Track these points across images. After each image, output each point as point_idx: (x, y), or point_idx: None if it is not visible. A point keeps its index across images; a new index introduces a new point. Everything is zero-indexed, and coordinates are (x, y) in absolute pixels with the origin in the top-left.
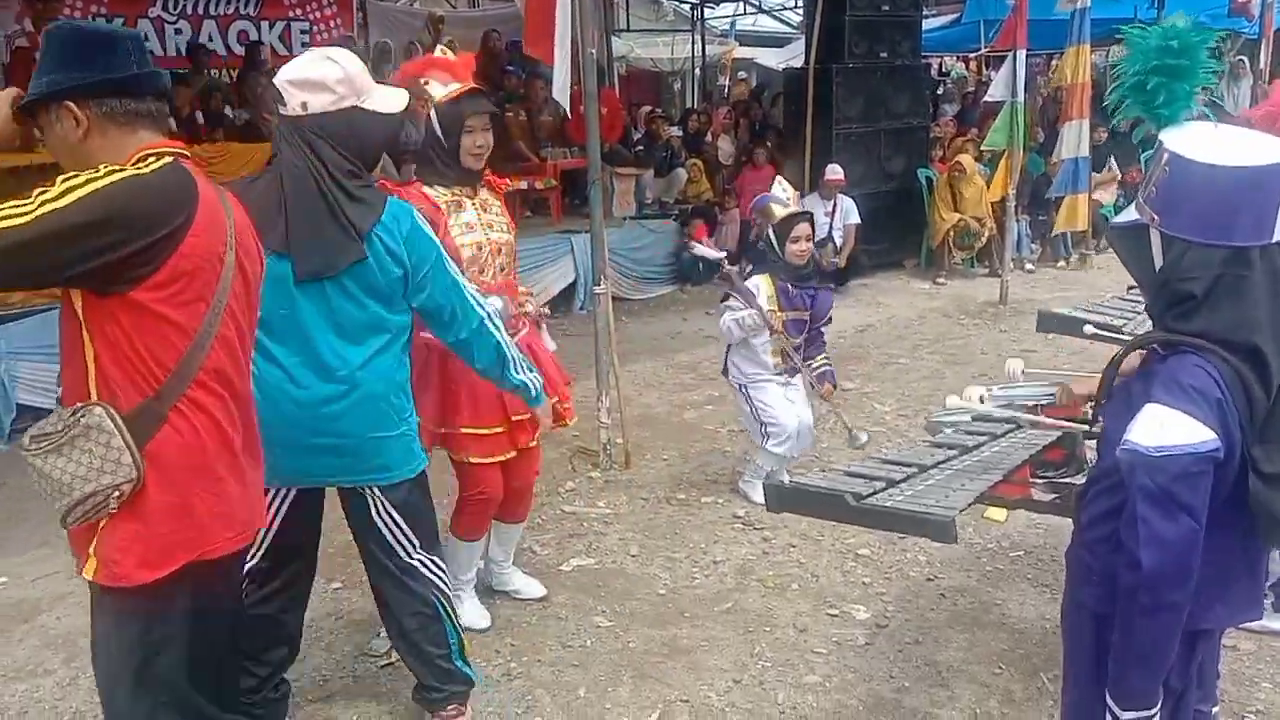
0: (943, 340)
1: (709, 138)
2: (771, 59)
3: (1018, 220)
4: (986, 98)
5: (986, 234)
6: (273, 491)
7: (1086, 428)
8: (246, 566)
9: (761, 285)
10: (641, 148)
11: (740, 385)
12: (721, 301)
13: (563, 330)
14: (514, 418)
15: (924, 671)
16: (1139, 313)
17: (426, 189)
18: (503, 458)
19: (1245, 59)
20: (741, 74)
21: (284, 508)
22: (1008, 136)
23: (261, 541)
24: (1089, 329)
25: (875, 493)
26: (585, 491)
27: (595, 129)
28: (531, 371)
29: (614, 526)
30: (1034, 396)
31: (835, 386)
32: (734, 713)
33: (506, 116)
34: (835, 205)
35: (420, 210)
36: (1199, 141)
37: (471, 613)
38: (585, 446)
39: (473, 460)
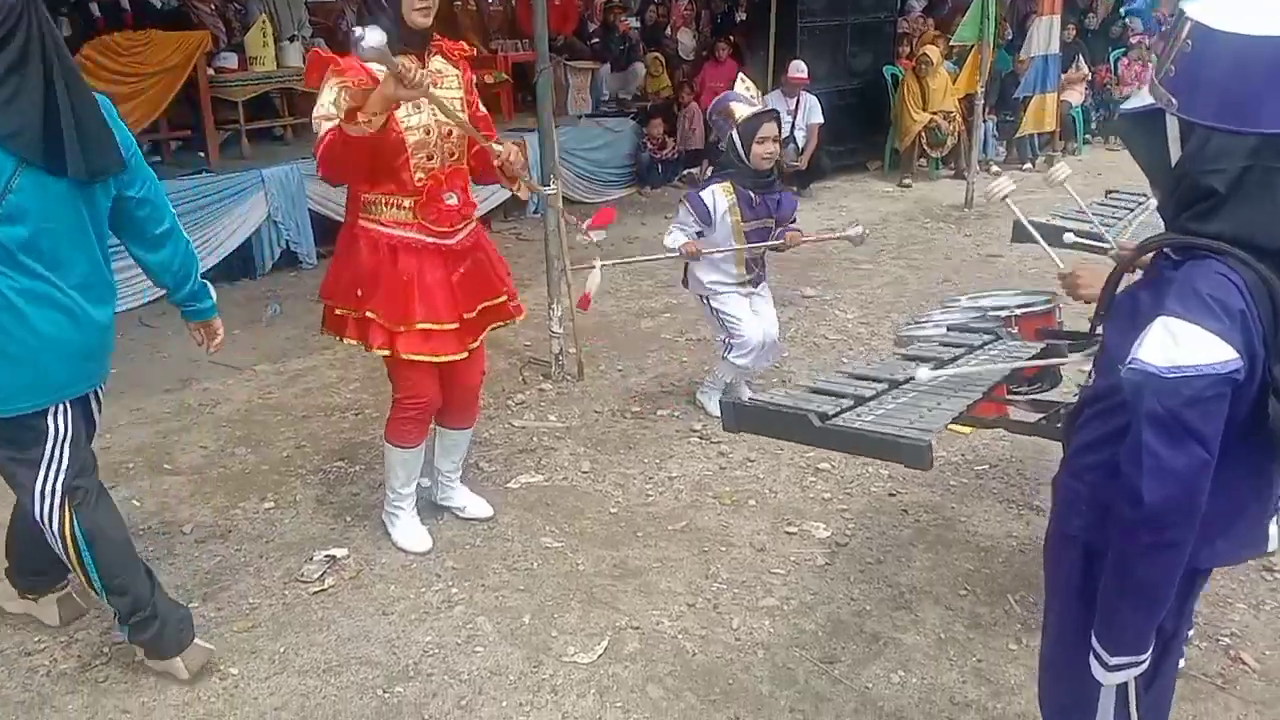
0: (906, 245)
1: (669, 31)
2: None
3: (985, 120)
4: None
5: (955, 132)
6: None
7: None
8: (69, 484)
9: (719, 195)
10: (597, 40)
11: (702, 297)
12: (680, 203)
13: (515, 234)
14: (465, 315)
15: (886, 593)
16: (1120, 219)
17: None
18: (450, 358)
19: None
20: None
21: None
22: (978, 30)
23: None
24: (1069, 237)
25: (842, 411)
26: (536, 404)
27: (543, 16)
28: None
29: (565, 441)
30: (1008, 306)
31: (800, 232)
32: (686, 639)
33: (454, 6)
34: (798, 103)
35: (350, 84)
36: (1227, 8)
37: (410, 534)
38: (536, 357)
39: (420, 358)
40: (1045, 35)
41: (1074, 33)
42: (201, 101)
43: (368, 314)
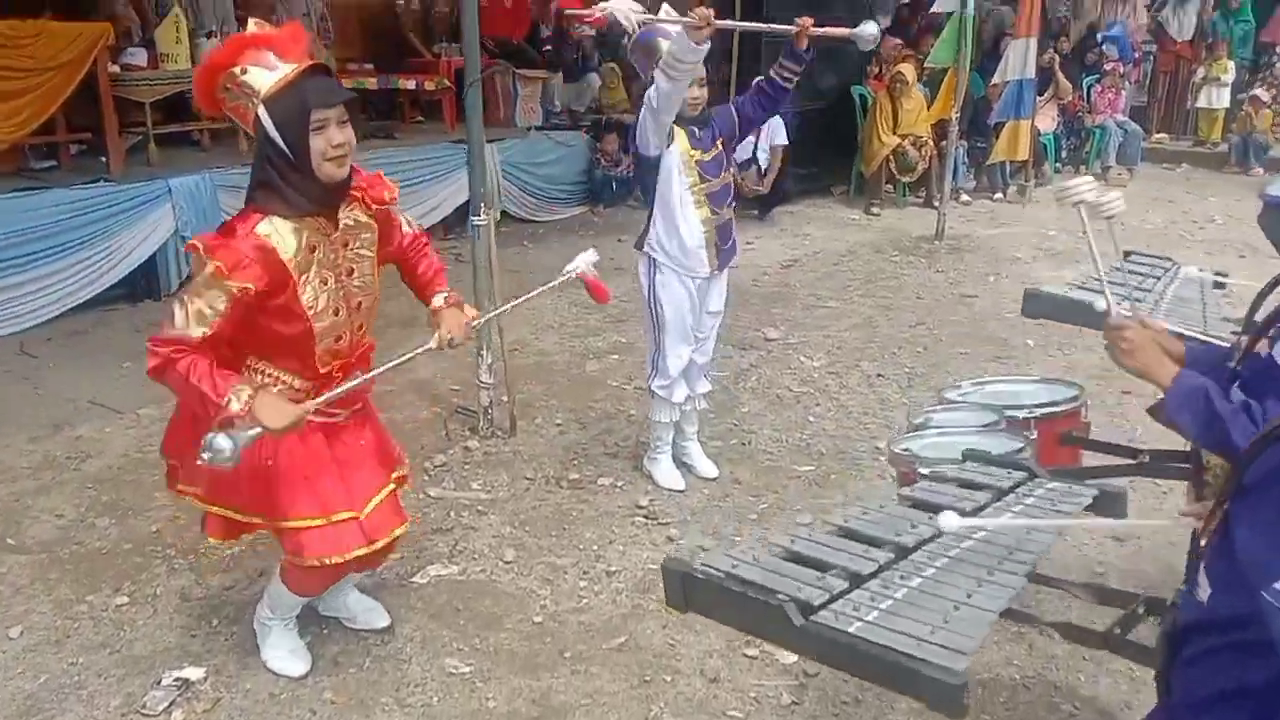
0: (874, 280)
1: (626, 40)
2: None
3: (957, 146)
4: (934, 8)
5: (927, 158)
6: None
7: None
8: None
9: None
10: (550, 48)
11: (650, 265)
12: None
13: (454, 255)
14: (369, 503)
15: None
16: (1148, 290)
17: (262, 229)
18: (355, 554)
19: None
20: None
21: None
22: (954, 52)
23: None
24: (1101, 303)
25: (831, 599)
26: (458, 468)
27: (473, 18)
28: None
29: (488, 518)
30: (1024, 405)
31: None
32: None
33: (397, 6)
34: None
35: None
36: None
37: (284, 652)
38: (465, 406)
39: (308, 564)
40: (1021, 59)
41: (1056, 60)
42: (102, 102)
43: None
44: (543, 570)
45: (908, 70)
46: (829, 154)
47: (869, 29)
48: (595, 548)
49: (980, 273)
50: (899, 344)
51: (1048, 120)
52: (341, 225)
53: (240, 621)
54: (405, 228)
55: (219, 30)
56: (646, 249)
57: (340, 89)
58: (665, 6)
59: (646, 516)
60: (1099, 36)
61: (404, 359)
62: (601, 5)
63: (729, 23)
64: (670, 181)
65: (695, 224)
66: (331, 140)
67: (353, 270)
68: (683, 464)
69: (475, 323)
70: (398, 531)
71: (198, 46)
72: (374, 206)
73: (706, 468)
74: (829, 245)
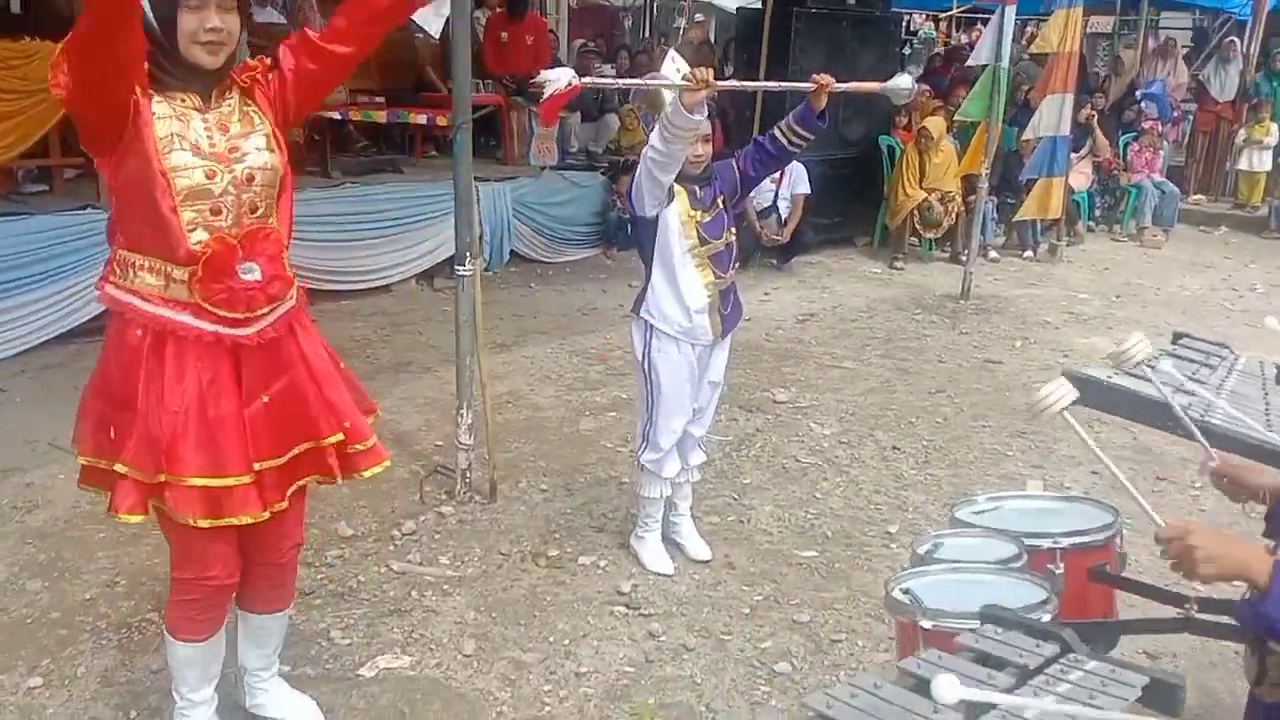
0: (894, 340)
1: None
2: (732, 4)
3: (987, 202)
4: (969, 61)
5: (954, 214)
6: None
7: None
8: None
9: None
10: None
11: (646, 330)
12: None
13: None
14: (268, 462)
15: None
16: (1202, 381)
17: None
18: (243, 519)
19: (1236, 40)
20: (699, 17)
21: None
22: (986, 106)
23: None
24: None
25: None
26: (428, 537)
27: (465, 52)
28: None
29: (453, 600)
30: (1050, 533)
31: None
32: None
33: (415, 38)
34: (783, 171)
35: None
36: None
37: None
38: (447, 465)
39: (198, 523)
40: (1056, 114)
41: (1094, 116)
42: None
43: (117, 468)
44: (504, 668)
45: (934, 125)
46: (853, 204)
47: (903, 82)
48: (567, 642)
49: (1006, 336)
50: (917, 413)
51: (1082, 178)
52: (216, 108)
53: (162, 713)
54: (282, 57)
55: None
56: (643, 314)
57: None
58: (671, 54)
59: (628, 606)
60: (1138, 94)
61: None
62: (544, 76)
63: (732, 83)
64: (669, 243)
65: (697, 288)
66: (206, 23)
67: (237, 148)
68: (673, 543)
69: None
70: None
71: None
72: (250, 83)
73: (699, 549)
74: (848, 300)
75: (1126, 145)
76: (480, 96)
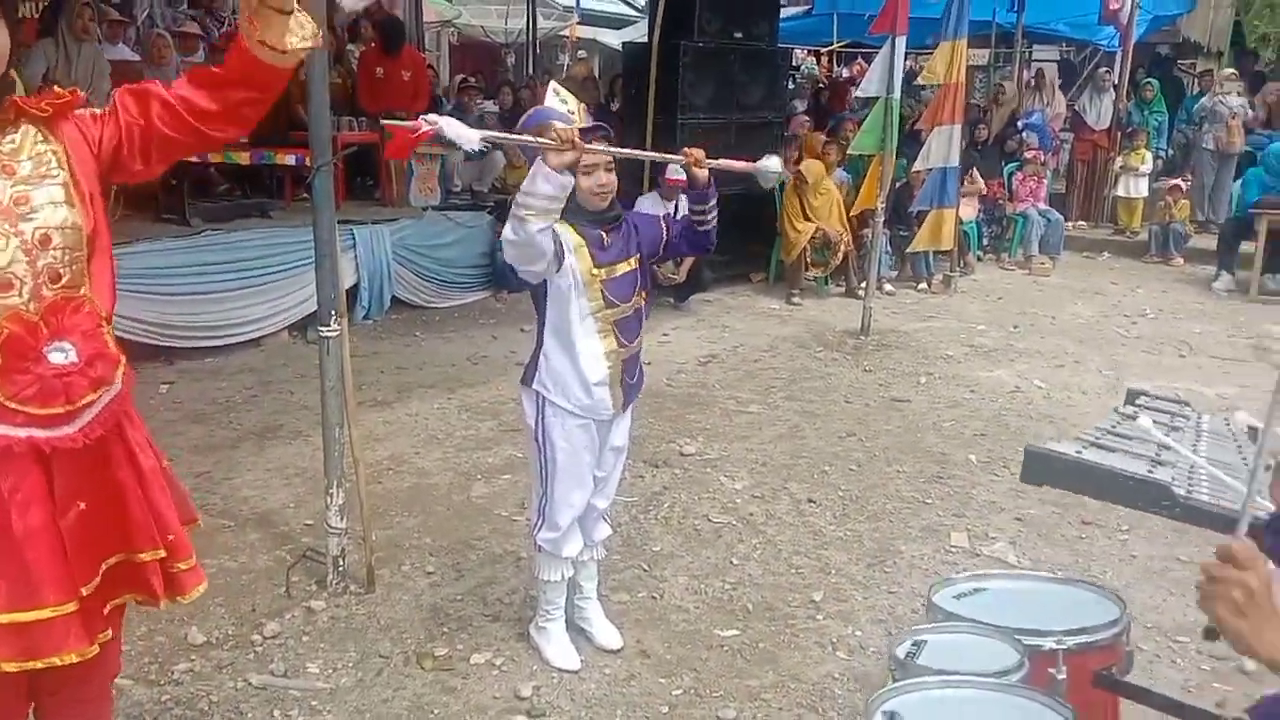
0: (798, 381)
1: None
2: (617, 41)
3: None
4: (858, 93)
5: (843, 249)
6: None
7: None
8: None
9: (563, 232)
10: None
11: (538, 401)
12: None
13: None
14: (90, 584)
15: None
16: (1170, 452)
17: None
18: (68, 659)
19: (1109, 70)
20: (582, 53)
21: None
22: (880, 138)
23: None
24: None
25: None
26: (295, 641)
27: (322, 87)
28: None
29: (323, 718)
30: (1052, 631)
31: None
32: None
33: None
34: (676, 208)
35: None
36: None
37: None
38: (317, 550)
39: (4, 667)
40: (945, 146)
41: (983, 135)
42: None
43: None
44: None
45: (810, 169)
46: (746, 240)
47: (772, 165)
48: None
49: (910, 372)
50: (829, 460)
51: (969, 209)
52: (3, 142)
53: None
54: (124, 106)
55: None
56: (535, 385)
57: None
58: (553, 86)
59: (529, 714)
60: (1020, 124)
61: None
62: (429, 118)
63: (603, 148)
64: (564, 305)
65: (597, 358)
66: None
67: (26, 199)
68: (579, 629)
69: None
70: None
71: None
72: (48, 114)
73: (608, 637)
74: (749, 339)
75: (1010, 175)
76: (353, 135)
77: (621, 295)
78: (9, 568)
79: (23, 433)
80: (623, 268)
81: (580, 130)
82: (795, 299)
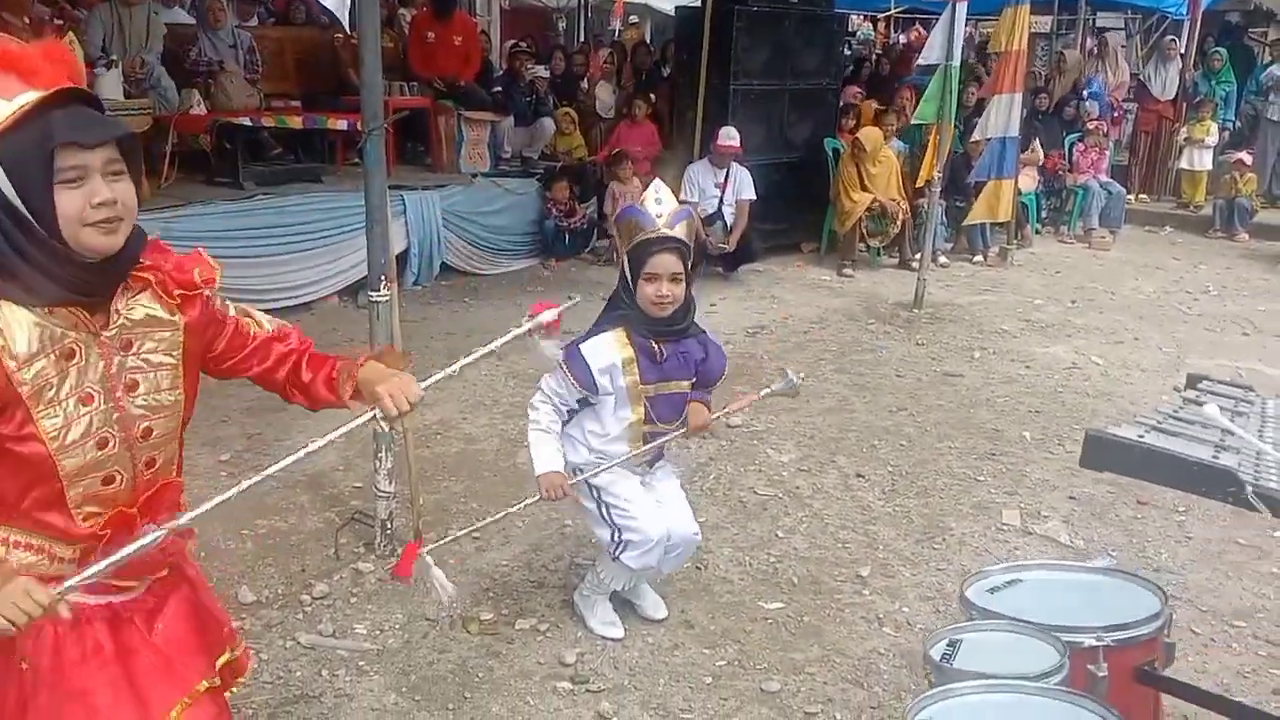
0: (849, 354)
1: (585, 84)
2: (668, 4)
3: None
4: (919, 61)
5: (900, 219)
6: None
7: None
8: None
9: (606, 347)
10: (501, 90)
11: (574, 469)
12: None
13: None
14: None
15: None
16: (1238, 440)
17: None
18: None
19: (1175, 39)
20: (634, 18)
21: None
22: (938, 108)
23: None
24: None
25: None
26: (343, 602)
27: (375, 47)
28: None
29: (369, 680)
30: (1091, 627)
31: (708, 404)
32: None
33: (335, 38)
34: (728, 176)
35: None
36: None
37: None
38: (365, 513)
39: None
40: (1005, 115)
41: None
42: None
43: None
44: None
45: (869, 136)
46: (799, 210)
47: (788, 382)
48: None
49: (964, 346)
50: (878, 434)
51: (1029, 180)
52: (118, 320)
53: None
54: (253, 327)
55: (115, 59)
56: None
57: (109, 122)
58: (654, 185)
59: (573, 680)
60: (1084, 94)
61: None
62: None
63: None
64: (602, 412)
65: (617, 445)
66: (94, 197)
67: (136, 385)
68: (623, 599)
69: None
70: None
71: (97, 78)
72: (177, 293)
73: (653, 607)
74: (799, 310)
75: (1071, 146)
76: (404, 100)
77: (666, 416)
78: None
79: (101, 600)
80: (674, 387)
81: (652, 239)
82: (847, 270)
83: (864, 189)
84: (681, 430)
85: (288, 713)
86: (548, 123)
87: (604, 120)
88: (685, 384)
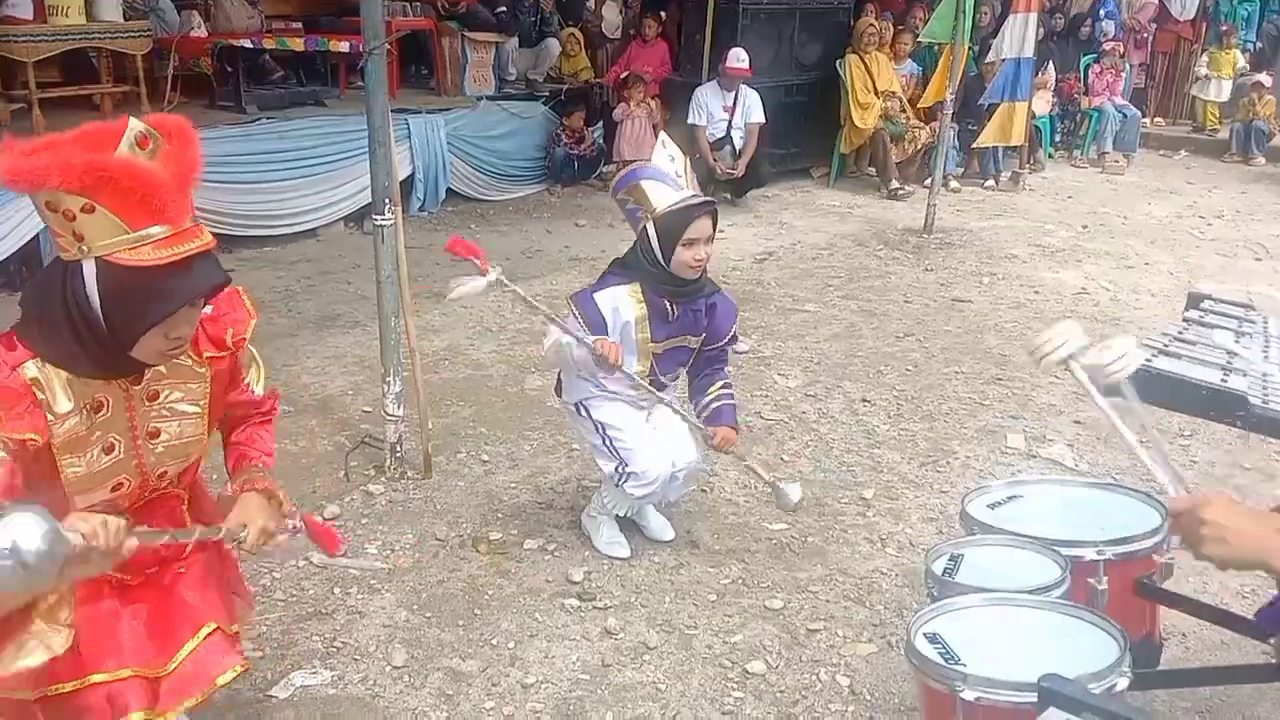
0: (857, 280)
1: (591, 4)
2: None
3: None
4: None
5: (920, 141)
6: None
7: None
8: None
9: (623, 301)
10: (505, 10)
11: (578, 404)
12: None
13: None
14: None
15: None
16: (1246, 350)
17: (29, 371)
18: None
19: None
20: None
21: None
22: (951, 26)
23: None
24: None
25: None
26: (354, 523)
27: None
28: None
29: (381, 598)
30: (1092, 540)
31: (735, 429)
32: None
33: None
34: (737, 99)
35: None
36: None
37: None
38: (376, 435)
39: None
40: (1019, 35)
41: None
42: None
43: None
44: (440, 680)
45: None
46: (809, 134)
47: (793, 493)
48: (511, 644)
49: (973, 272)
50: (885, 360)
51: (1043, 103)
52: (148, 374)
53: None
54: (253, 385)
55: None
56: (566, 398)
57: (215, 273)
58: (662, 138)
59: (580, 597)
60: (1101, 13)
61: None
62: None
63: (638, 381)
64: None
65: (618, 387)
66: (172, 331)
67: (158, 433)
68: (629, 520)
69: (283, 529)
70: (222, 679)
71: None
72: (209, 348)
73: (660, 528)
74: (807, 236)
75: (1087, 68)
76: (407, 20)
77: (669, 370)
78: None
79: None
80: (682, 342)
81: (690, 205)
82: (900, 188)
83: (877, 90)
84: (709, 436)
85: (301, 629)
86: (553, 44)
87: (610, 41)
88: (694, 340)
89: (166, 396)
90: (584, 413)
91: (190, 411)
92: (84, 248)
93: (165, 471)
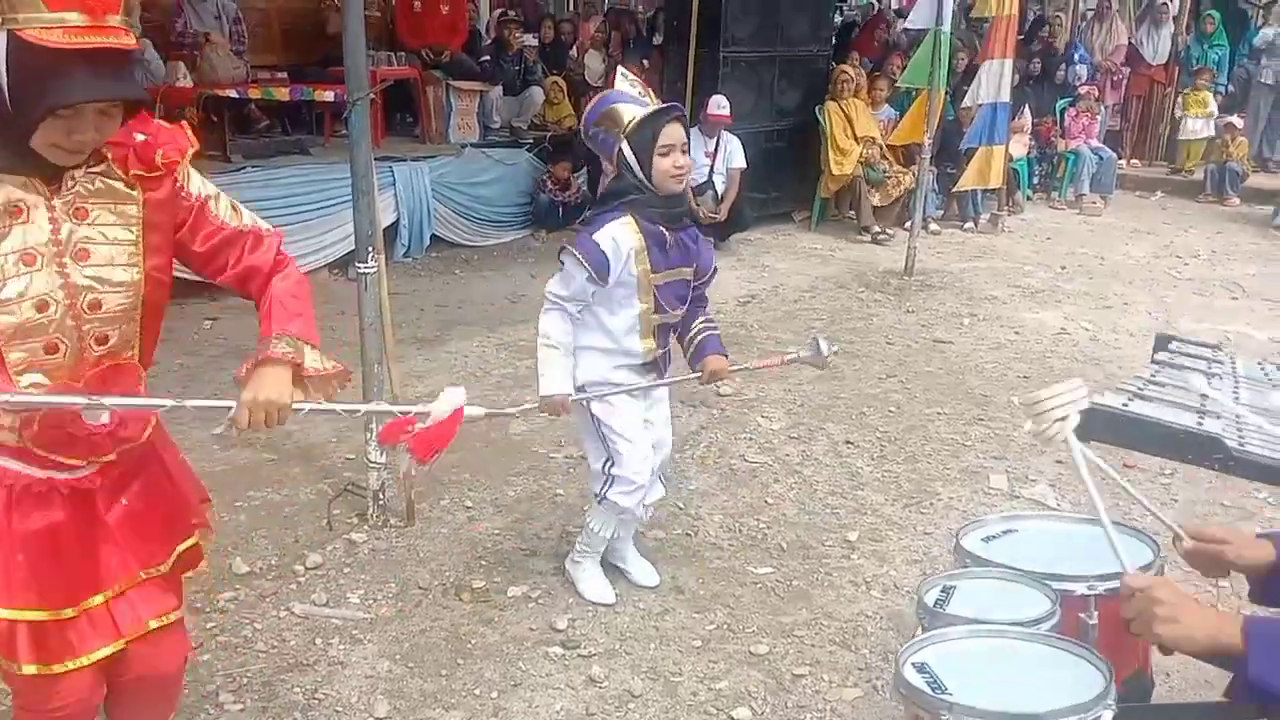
0: (839, 322)
1: (574, 52)
2: None
3: (927, 173)
4: (905, 25)
5: (902, 186)
6: None
7: None
8: None
9: (621, 235)
10: (489, 59)
11: (582, 386)
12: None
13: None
14: (112, 590)
15: None
16: (1217, 393)
17: None
18: (87, 660)
19: (1168, 2)
20: None
21: None
22: (927, 73)
23: None
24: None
25: None
26: (336, 572)
27: (358, 16)
28: None
29: (363, 648)
30: (1083, 575)
31: (726, 356)
32: None
33: (323, 4)
34: (718, 144)
35: None
36: None
37: None
38: (359, 484)
39: (26, 671)
40: (995, 81)
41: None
42: None
43: None
44: None
45: (849, 73)
46: (790, 178)
47: (818, 350)
48: (495, 694)
49: (954, 313)
50: (868, 401)
51: (1020, 146)
52: (72, 188)
53: None
54: (224, 215)
55: None
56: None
57: (130, 93)
58: (620, 70)
59: (564, 645)
60: (1075, 57)
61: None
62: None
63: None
64: (612, 305)
65: (635, 354)
66: (75, 132)
67: (86, 254)
68: (614, 567)
69: (303, 412)
70: (170, 617)
71: None
72: (133, 173)
73: (644, 574)
74: (790, 279)
75: (1063, 111)
76: (391, 70)
77: (672, 303)
78: (35, 569)
79: (42, 474)
80: (679, 274)
81: (656, 111)
82: (881, 232)
83: (855, 135)
84: (698, 375)
85: (282, 680)
86: (537, 92)
87: (594, 89)
88: (688, 271)
89: (96, 217)
90: (585, 403)
91: (123, 238)
92: (3, 16)
93: (99, 302)
